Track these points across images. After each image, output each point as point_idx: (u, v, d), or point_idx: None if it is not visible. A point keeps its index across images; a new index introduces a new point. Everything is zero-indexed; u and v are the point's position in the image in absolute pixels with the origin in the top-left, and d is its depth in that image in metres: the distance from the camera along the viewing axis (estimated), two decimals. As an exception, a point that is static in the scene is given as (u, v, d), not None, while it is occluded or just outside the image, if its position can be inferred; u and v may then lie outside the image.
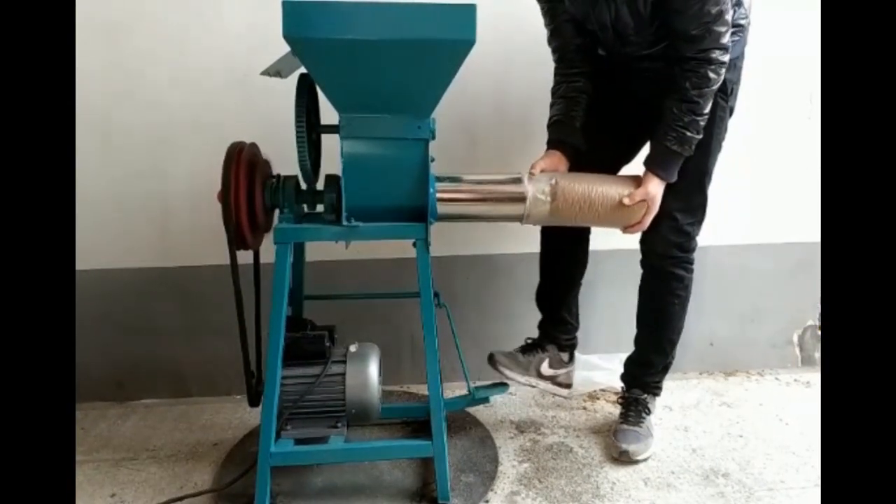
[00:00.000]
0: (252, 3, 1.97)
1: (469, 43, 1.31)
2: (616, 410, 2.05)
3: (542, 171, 1.65)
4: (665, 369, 1.92)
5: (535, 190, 1.61)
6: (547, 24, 1.74)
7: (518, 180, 1.62)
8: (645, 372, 1.92)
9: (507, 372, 1.92)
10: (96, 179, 2.04)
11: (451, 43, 1.33)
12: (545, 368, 1.96)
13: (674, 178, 1.65)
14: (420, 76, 1.40)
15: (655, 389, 1.94)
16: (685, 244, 1.76)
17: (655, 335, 1.88)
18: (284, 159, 1.63)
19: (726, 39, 1.54)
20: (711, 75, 1.55)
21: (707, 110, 1.60)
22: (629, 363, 1.97)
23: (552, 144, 1.73)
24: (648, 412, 1.90)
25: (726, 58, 1.56)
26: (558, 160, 1.69)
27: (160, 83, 2.01)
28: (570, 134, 1.71)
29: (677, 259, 1.77)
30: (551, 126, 1.75)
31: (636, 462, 1.81)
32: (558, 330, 1.98)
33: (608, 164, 1.79)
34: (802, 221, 2.23)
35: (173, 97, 2.03)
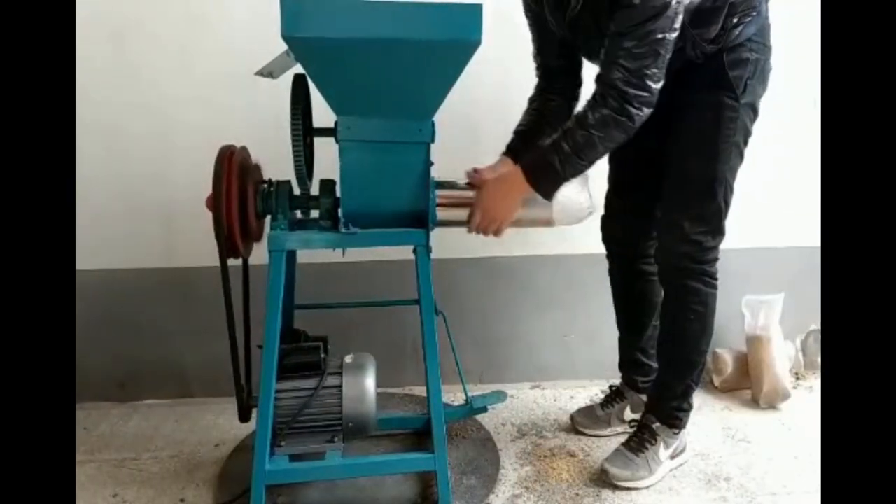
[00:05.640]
0: (253, 5, 1.96)
1: (475, 44, 1.28)
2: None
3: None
4: (685, 395, 1.76)
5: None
6: (533, 40, 1.70)
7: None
8: (661, 395, 1.78)
9: (589, 431, 1.96)
10: (101, 181, 2.03)
11: (456, 43, 1.30)
12: (628, 415, 1.93)
13: (542, 193, 1.50)
14: (424, 78, 1.36)
15: (672, 419, 1.76)
16: (697, 254, 1.64)
17: (672, 355, 1.75)
18: (273, 163, 1.61)
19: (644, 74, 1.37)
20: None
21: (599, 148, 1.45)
22: (651, 386, 1.85)
23: (510, 152, 1.67)
24: (653, 442, 1.74)
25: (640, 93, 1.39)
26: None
27: (163, 86, 2.01)
28: (530, 149, 1.60)
29: (689, 271, 1.65)
30: (516, 133, 1.71)
31: (622, 487, 1.70)
32: (634, 373, 1.94)
33: (636, 187, 1.78)
34: (805, 225, 2.21)
35: (176, 100, 2.02)
